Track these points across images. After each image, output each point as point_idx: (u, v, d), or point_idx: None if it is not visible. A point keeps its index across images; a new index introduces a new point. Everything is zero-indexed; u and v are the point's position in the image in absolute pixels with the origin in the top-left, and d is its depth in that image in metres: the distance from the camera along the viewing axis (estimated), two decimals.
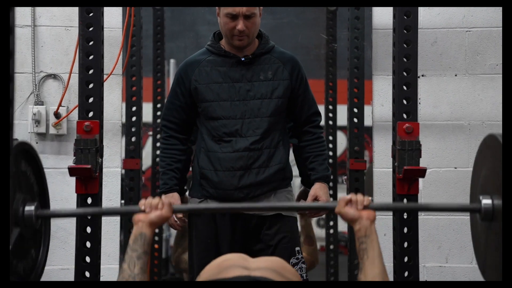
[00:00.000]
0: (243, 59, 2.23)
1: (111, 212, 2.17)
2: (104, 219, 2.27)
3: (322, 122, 2.37)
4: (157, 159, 3.46)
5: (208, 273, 1.65)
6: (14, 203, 1.70)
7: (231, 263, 1.64)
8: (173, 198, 2.24)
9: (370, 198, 1.74)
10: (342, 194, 3.32)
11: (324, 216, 2.38)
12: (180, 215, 2.25)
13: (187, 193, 2.38)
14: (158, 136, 3.47)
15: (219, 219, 2.22)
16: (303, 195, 2.36)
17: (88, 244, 2.13)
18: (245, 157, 2.20)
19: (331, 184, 3.46)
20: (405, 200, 2.19)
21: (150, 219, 1.70)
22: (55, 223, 2.84)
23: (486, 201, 1.71)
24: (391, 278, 2.23)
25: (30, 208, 1.75)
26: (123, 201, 3.17)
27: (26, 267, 1.81)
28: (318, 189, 2.26)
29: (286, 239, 2.22)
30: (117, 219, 2.86)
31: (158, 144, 3.50)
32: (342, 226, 3.60)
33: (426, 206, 2.03)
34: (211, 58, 2.25)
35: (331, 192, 3.48)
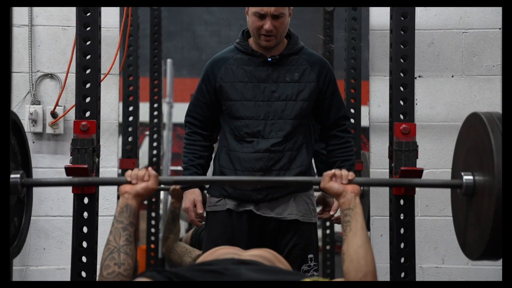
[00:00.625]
0: (269, 59, 2.19)
1: (97, 183, 2.15)
2: (101, 219, 2.27)
3: None
4: (154, 159, 3.46)
5: (202, 259, 1.66)
6: None
7: (224, 251, 1.65)
8: (194, 194, 2.23)
9: (353, 173, 1.76)
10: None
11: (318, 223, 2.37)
12: (201, 211, 2.23)
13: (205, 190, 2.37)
14: (155, 135, 3.47)
15: (235, 220, 2.20)
16: (321, 201, 2.33)
17: (84, 244, 2.12)
18: (266, 159, 2.17)
19: None
20: (401, 201, 2.19)
21: (136, 190, 1.70)
22: (51, 223, 2.84)
23: (467, 177, 1.78)
24: (387, 278, 2.24)
25: (15, 176, 1.80)
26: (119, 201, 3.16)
27: (10, 233, 1.85)
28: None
29: (300, 246, 2.20)
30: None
31: (154, 144, 3.50)
32: (339, 227, 3.60)
33: (409, 182, 2.04)
34: (238, 56, 2.22)
35: None
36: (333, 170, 1.75)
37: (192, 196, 2.23)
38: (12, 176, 1.80)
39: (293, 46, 2.22)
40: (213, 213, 2.24)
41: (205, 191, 2.33)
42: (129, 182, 1.73)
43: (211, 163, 2.34)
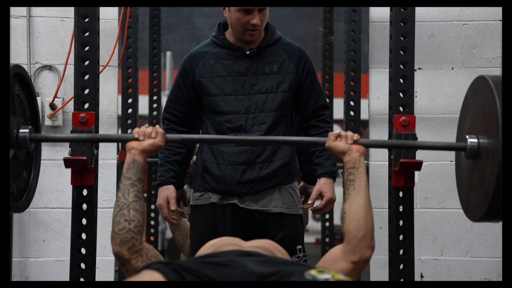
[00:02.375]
0: (248, 52, 2.18)
1: (104, 139, 2.22)
2: (100, 211, 2.27)
3: None
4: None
5: (204, 250, 1.67)
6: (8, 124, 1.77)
7: (225, 242, 1.65)
8: (168, 190, 2.22)
9: (358, 134, 1.78)
10: (338, 187, 3.33)
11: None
12: (174, 207, 2.23)
13: (185, 186, 2.37)
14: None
15: (219, 214, 2.20)
16: (302, 191, 2.34)
17: (83, 236, 2.12)
18: (248, 152, 2.17)
19: None
20: (401, 194, 2.19)
21: (143, 146, 1.73)
22: (50, 215, 2.84)
23: (472, 140, 1.80)
24: (386, 270, 2.24)
25: (24, 130, 1.85)
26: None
27: (19, 187, 1.89)
28: (324, 184, 2.20)
29: (288, 238, 2.20)
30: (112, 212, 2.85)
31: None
32: (338, 219, 3.60)
33: (413, 144, 2.06)
34: (215, 51, 2.20)
35: None
36: (338, 131, 1.77)
37: (166, 193, 2.21)
38: (21, 131, 1.84)
39: (270, 37, 2.20)
40: (197, 206, 2.24)
41: (185, 187, 2.33)
42: (136, 139, 1.75)
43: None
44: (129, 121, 3.05)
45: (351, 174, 1.68)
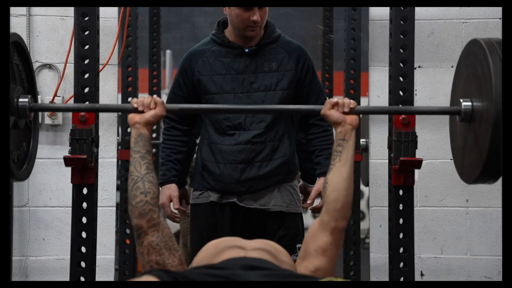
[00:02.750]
0: (247, 50, 2.18)
1: (104, 109, 2.26)
2: (100, 210, 2.27)
3: None
4: (153, 150, 3.46)
5: (204, 252, 1.66)
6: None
7: (227, 243, 1.65)
8: (171, 189, 2.22)
9: (355, 101, 1.80)
10: None
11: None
12: (177, 206, 2.24)
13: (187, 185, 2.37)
14: (154, 127, 3.47)
15: (218, 212, 2.20)
16: (302, 190, 2.33)
17: (83, 234, 2.12)
18: (247, 150, 2.16)
19: None
20: (401, 192, 2.19)
21: (146, 118, 1.76)
22: (50, 214, 2.85)
23: (466, 103, 1.83)
24: (386, 269, 2.24)
25: (24, 100, 1.87)
26: (119, 192, 3.16)
27: (19, 157, 1.91)
28: (323, 184, 2.20)
29: (288, 237, 2.20)
30: (112, 210, 2.86)
31: (154, 135, 3.49)
32: None
33: (408, 109, 2.09)
34: (215, 49, 2.20)
35: None
36: (336, 99, 1.80)
37: (168, 191, 2.22)
38: (21, 100, 1.86)
39: (270, 35, 2.20)
40: (197, 205, 2.24)
41: (187, 187, 2.33)
42: (136, 109, 1.77)
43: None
44: None
45: (340, 145, 1.71)
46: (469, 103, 1.83)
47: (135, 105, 1.78)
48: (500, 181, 1.76)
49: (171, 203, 2.24)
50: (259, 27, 2.14)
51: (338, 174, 1.67)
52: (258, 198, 2.20)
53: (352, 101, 1.79)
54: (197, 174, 2.25)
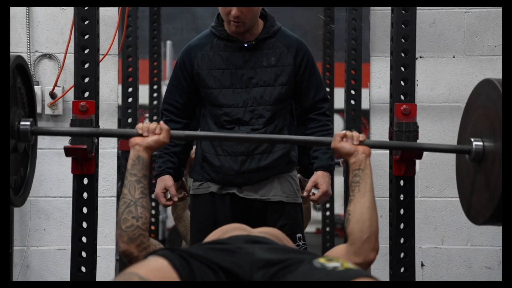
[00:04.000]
0: (246, 45, 2.16)
1: (107, 134, 2.18)
2: (101, 200, 2.27)
3: None
4: None
5: (211, 236, 1.67)
6: (10, 115, 1.77)
7: (233, 227, 1.66)
8: (165, 180, 2.21)
9: (364, 135, 1.78)
10: (338, 177, 3.32)
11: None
12: (174, 193, 2.21)
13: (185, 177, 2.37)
14: (155, 118, 3.46)
15: (218, 202, 2.20)
16: (299, 183, 2.33)
17: (84, 225, 2.12)
18: (247, 144, 2.15)
19: None
20: (401, 182, 2.19)
21: (147, 143, 1.72)
22: (51, 204, 2.85)
23: (477, 143, 1.79)
24: (387, 259, 2.24)
25: (25, 123, 1.85)
26: (119, 183, 3.16)
27: (16, 182, 1.90)
28: (320, 176, 2.19)
29: (287, 227, 2.19)
30: (113, 201, 2.86)
31: None
32: (338, 209, 3.61)
33: (419, 146, 2.05)
34: (214, 42, 2.18)
35: None
36: (344, 131, 1.78)
37: (163, 183, 2.21)
38: (22, 123, 1.83)
39: (269, 29, 2.17)
40: (196, 196, 2.24)
41: (184, 178, 2.32)
42: (140, 135, 1.74)
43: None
44: (129, 110, 3.04)
45: (357, 175, 1.68)
46: (481, 143, 1.78)
47: (140, 131, 1.74)
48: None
49: (165, 194, 2.23)
50: (242, 23, 2.11)
51: (360, 205, 1.64)
52: (258, 189, 2.20)
53: (361, 134, 1.76)
54: (197, 165, 2.25)
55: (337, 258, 1.42)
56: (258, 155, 2.17)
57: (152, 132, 1.74)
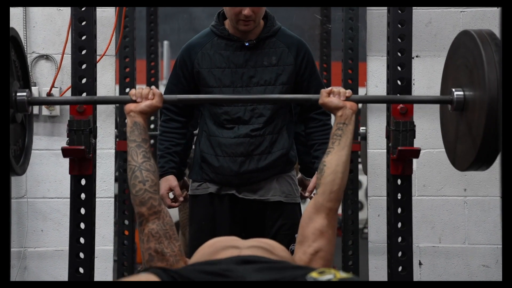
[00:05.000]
0: (247, 44, 2.16)
1: (102, 101, 2.28)
2: (98, 201, 2.27)
3: None
4: (151, 141, 3.45)
5: (200, 252, 1.66)
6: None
7: (223, 244, 1.64)
8: (169, 180, 2.21)
9: (350, 90, 1.84)
10: None
11: None
12: (179, 193, 2.22)
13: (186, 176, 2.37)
14: (152, 118, 3.46)
15: (217, 203, 2.20)
16: (300, 183, 2.33)
17: (82, 225, 2.12)
18: (246, 143, 2.16)
19: None
20: (399, 181, 2.20)
21: (141, 108, 1.78)
22: (49, 205, 2.85)
23: (458, 93, 1.89)
24: (385, 258, 2.25)
25: (22, 94, 1.88)
26: (117, 183, 3.17)
27: (16, 152, 1.92)
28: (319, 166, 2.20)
29: (286, 226, 2.20)
30: (111, 201, 2.86)
31: (152, 126, 3.49)
32: None
33: (402, 98, 2.12)
34: (214, 41, 2.18)
35: None
36: (330, 88, 1.83)
37: (167, 183, 2.21)
38: (19, 94, 1.87)
39: (270, 29, 2.18)
40: (195, 196, 2.24)
41: (186, 178, 2.33)
42: (134, 101, 1.79)
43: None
44: None
45: (340, 129, 1.74)
46: (461, 92, 1.88)
47: (133, 97, 1.80)
48: (497, 170, 1.76)
49: (169, 194, 2.23)
50: (252, 22, 2.11)
51: (337, 157, 1.70)
52: (257, 189, 2.20)
53: (348, 90, 1.82)
54: (196, 165, 2.25)
55: (329, 270, 1.42)
56: (257, 156, 2.17)
57: (145, 97, 1.80)
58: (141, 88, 1.81)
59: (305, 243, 1.64)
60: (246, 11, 2.07)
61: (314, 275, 1.39)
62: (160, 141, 2.27)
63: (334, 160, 1.69)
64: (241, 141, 2.16)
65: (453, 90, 1.89)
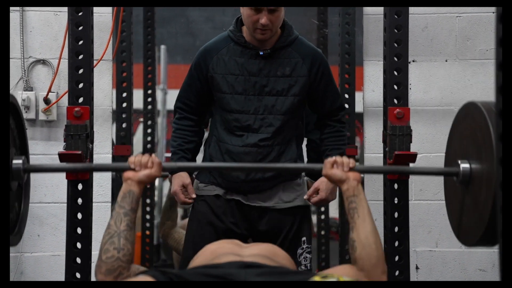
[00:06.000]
0: (261, 53, 2.16)
1: (100, 168, 2.22)
2: (95, 206, 2.27)
3: None
4: (148, 146, 3.45)
5: (201, 257, 1.65)
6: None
7: (224, 251, 1.64)
8: (182, 177, 2.22)
9: (354, 161, 1.78)
10: None
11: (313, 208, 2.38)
12: (192, 191, 2.22)
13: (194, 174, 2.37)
14: (149, 122, 3.46)
15: (223, 203, 2.20)
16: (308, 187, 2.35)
17: (79, 230, 2.12)
18: (254, 153, 2.17)
19: None
20: (395, 186, 2.20)
21: (139, 177, 1.72)
22: (45, 210, 2.84)
23: (464, 165, 1.79)
24: None
25: (18, 161, 1.81)
26: (114, 188, 3.16)
27: (12, 219, 1.85)
28: (323, 182, 2.18)
29: (292, 230, 2.21)
30: (107, 206, 2.86)
31: (149, 131, 3.49)
32: (333, 212, 3.61)
33: (406, 170, 2.09)
34: (231, 47, 2.19)
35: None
36: (333, 157, 1.76)
37: (180, 179, 2.22)
38: (14, 161, 1.80)
39: (286, 38, 2.18)
40: (200, 196, 2.25)
41: (194, 176, 2.34)
42: (132, 169, 1.73)
43: (202, 148, 2.34)
44: (123, 115, 3.04)
45: (353, 202, 1.68)
46: (468, 165, 1.78)
47: (132, 165, 1.74)
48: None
49: (183, 189, 2.23)
50: (269, 31, 2.12)
51: (363, 230, 1.63)
52: (263, 197, 2.21)
53: (351, 160, 1.76)
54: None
55: (332, 274, 1.42)
56: None
57: (144, 166, 1.73)
58: (140, 155, 1.75)
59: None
60: (264, 20, 2.08)
61: (317, 279, 1.39)
62: (173, 138, 2.28)
63: (361, 234, 1.62)
64: (249, 150, 2.17)
65: (459, 162, 1.80)
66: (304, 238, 2.21)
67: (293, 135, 2.22)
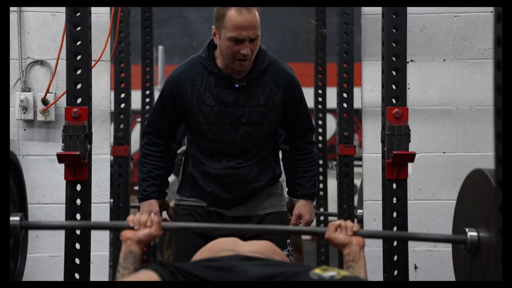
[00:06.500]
0: (237, 85, 2.14)
1: (99, 227, 2.20)
2: (94, 206, 2.27)
3: (311, 105, 2.37)
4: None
5: (200, 255, 1.66)
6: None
7: (222, 247, 1.64)
8: (151, 205, 2.23)
9: (358, 225, 1.75)
10: (332, 180, 3.33)
11: (314, 203, 2.39)
12: (158, 219, 2.22)
13: (168, 197, 2.37)
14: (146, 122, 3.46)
15: (205, 214, 2.23)
16: (289, 205, 2.35)
17: (77, 231, 2.12)
18: (235, 174, 2.19)
19: (320, 169, 3.47)
20: (394, 185, 2.20)
21: (138, 237, 1.70)
22: (44, 211, 2.84)
23: (472, 233, 1.76)
24: (380, 262, 2.25)
25: (15, 218, 1.78)
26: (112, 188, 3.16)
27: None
28: (303, 207, 2.27)
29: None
30: (106, 207, 2.86)
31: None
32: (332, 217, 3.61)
33: (413, 235, 2.14)
34: (205, 76, 2.16)
35: (321, 178, 3.49)
36: (338, 221, 1.74)
37: (148, 208, 2.23)
38: (12, 218, 1.78)
39: (260, 67, 2.15)
40: (182, 205, 2.27)
41: (167, 198, 2.34)
42: (132, 228, 1.72)
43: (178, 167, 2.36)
44: (122, 116, 3.04)
45: (350, 267, 1.67)
46: (475, 233, 1.76)
47: (131, 224, 1.72)
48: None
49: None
50: (248, 61, 2.10)
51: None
52: (245, 208, 2.24)
53: (355, 224, 1.74)
54: (186, 184, 2.27)
55: (333, 268, 1.42)
56: (247, 184, 2.21)
57: (143, 225, 1.72)
58: (139, 214, 1.74)
59: None
60: (246, 50, 2.05)
61: (317, 271, 1.39)
62: (142, 164, 2.27)
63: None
64: (230, 172, 2.19)
65: (467, 230, 1.77)
66: (288, 241, 2.25)
67: (269, 151, 2.25)
